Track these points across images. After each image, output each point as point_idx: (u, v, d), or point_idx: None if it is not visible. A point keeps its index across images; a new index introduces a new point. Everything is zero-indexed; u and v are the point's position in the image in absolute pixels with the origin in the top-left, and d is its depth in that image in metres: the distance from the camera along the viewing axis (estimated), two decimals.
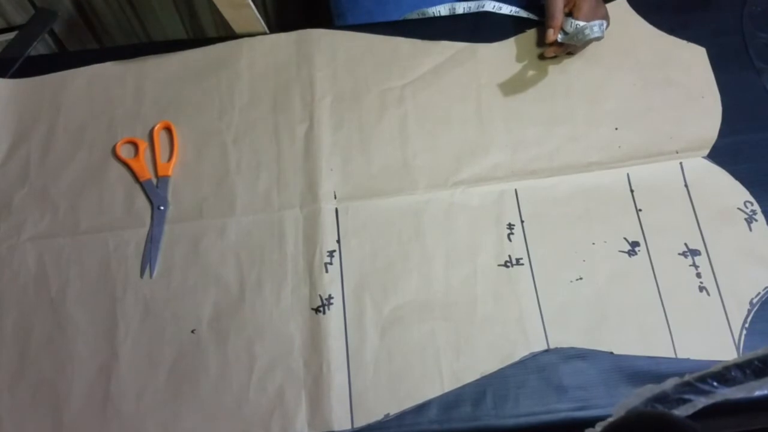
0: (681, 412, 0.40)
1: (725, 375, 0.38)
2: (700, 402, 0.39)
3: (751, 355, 0.38)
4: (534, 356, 0.69)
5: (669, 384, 0.40)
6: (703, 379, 0.39)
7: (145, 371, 0.71)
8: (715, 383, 0.38)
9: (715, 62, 0.83)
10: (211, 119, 0.84)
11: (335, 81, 0.85)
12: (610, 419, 0.42)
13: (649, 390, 0.41)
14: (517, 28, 0.87)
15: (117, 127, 0.85)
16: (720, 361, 0.66)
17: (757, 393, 0.38)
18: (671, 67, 0.83)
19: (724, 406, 0.42)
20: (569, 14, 0.80)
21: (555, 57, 0.84)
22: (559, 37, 0.80)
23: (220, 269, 0.75)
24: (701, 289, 0.71)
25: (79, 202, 0.80)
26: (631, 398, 0.41)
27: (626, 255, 0.73)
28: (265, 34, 0.90)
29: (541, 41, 0.85)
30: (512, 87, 0.83)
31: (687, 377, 0.40)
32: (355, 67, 0.86)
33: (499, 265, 0.73)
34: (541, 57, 0.84)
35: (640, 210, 0.75)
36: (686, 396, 0.39)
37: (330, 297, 0.73)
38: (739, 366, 0.38)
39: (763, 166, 0.76)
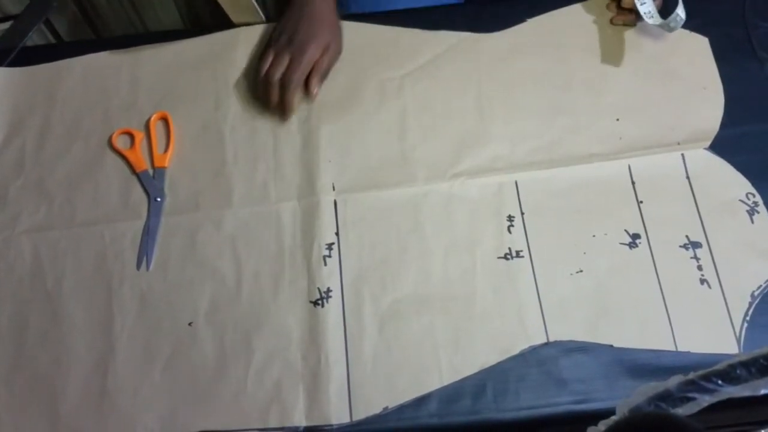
0: (685, 410, 0.39)
1: (730, 373, 0.38)
2: (704, 400, 0.39)
3: (756, 353, 0.38)
4: (534, 349, 0.68)
5: (673, 382, 0.40)
6: (707, 377, 0.38)
7: (142, 364, 0.71)
8: (719, 381, 0.38)
9: (718, 52, 0.82)
10: (208, 110, 0.83)
11: (333, 71, 0.84)
12: (614, 418, 0.41)
13: (653, 388, 0.40)
14: (518, 18, 0.86)
15: (113, 118, 0.84)
16: (721, 355, 0.66)
17: (763, 391, 0.38)
18: (673, 58, 0.82)
19: (725, 401, 0.41)
20: None
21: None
22: (652, 20, 0.80)
23: (217, 262, 0.75)
24: (702, 281, 0.70)
25: (74, 193, 0.79)
26: (634, 397, 0.41)
27: (627, 247, 0.72)
28: (262, 23, 0.89)
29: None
30: (513, 78, 0.82)
31: (691, 375, 0.39)
32: (354, 57, 0.85)
33: (499, 258, 0.73)
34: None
35: (641, 202, 0.74)
36: (690, 394, 0.39)
37: (329, 290, 0.72)
38: (744, 364, 0.37)
39: (766, 158, 0.76)
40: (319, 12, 0.81)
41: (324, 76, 0.81)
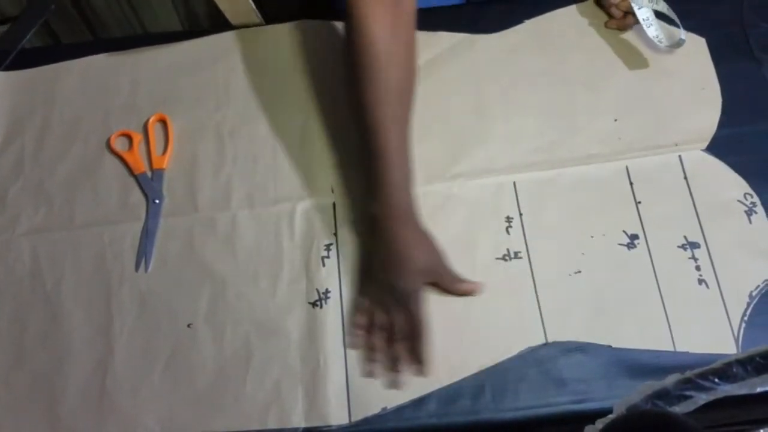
0: (682, 408, 0.39)
1: (726, 371, 0.38)
2: (701, 398, 0.39)
3: (752, 351, 0.38)
4: (532, 350, 0.68)
5: (670, 381, 0.40)
6: (704, 375, 0.38)
7: (141, 365, 0.71)
8: (716, 380, 0.38)
9: (715, 53, 0.82)
10: (207, 111, 0.83)
11: (332, 72, 0.84)
12: (611, 416, 0.42)
13: (650, 387, 0.40)
14: (517, 18, 0.86)
15: (111, 120, 0.84)
16: (719, 354, 0.66)
17: (759, 389, 0.38)
18: (671, 58, 0.82)
19: (722, 399, 0.41)
20: None
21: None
22: (651, 30, 0.80)
23: (216, 263, 0.75)
24: (700, 281, 0.70)
25: (74, 195, 0.80)
26: (631, 395, 0.41)
27: (625, 248, 0.72)
28: (260, 25, 0.89)
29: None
30: (511, 78, 0.82)
31: (688, 374, 0.39)
32: None
33: (497, 259, 0.73)
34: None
35: (640, 203, 0.74)
36: (687, 393, 0.39)
37: (327, 291, 0.72)
38: (740, 362, 0.37)
39: (763, 158, 0.76)
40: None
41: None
